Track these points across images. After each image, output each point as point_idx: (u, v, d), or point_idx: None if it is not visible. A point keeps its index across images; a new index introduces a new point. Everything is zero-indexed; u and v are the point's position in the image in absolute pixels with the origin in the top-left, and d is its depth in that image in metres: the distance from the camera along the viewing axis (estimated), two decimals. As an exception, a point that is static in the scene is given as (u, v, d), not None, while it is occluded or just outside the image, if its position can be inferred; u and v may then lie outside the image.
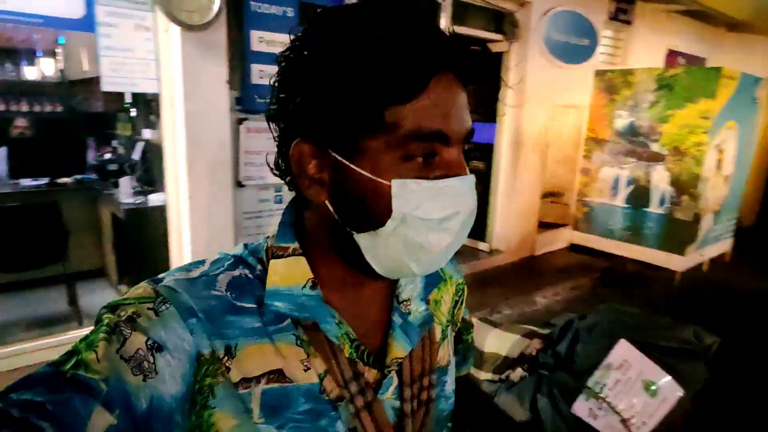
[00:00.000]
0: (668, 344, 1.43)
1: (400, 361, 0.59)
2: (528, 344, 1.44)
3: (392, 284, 0.62)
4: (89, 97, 4.65)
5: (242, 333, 0.51)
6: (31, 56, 4.46)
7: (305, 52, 0.50)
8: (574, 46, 4.57)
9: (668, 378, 1.32)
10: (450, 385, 0.68)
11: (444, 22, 3.62)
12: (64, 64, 4.49)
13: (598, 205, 4.91)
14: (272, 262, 0.55)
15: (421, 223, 0.50)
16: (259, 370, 0.51)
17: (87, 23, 2.44)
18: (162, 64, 2.58)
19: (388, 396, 0.58)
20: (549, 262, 4.86)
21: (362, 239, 0.52)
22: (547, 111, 4.54)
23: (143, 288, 0.51)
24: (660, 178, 4.45)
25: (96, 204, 3.81)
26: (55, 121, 4.59)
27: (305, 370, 0.53)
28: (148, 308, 0.48)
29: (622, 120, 4.63)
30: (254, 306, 0.53)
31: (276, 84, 0.53)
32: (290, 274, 0.54)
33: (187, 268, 0.55)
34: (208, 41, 2.57)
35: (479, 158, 4.66)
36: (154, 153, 3.41)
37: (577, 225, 5.12)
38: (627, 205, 4.70)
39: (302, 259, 0.55)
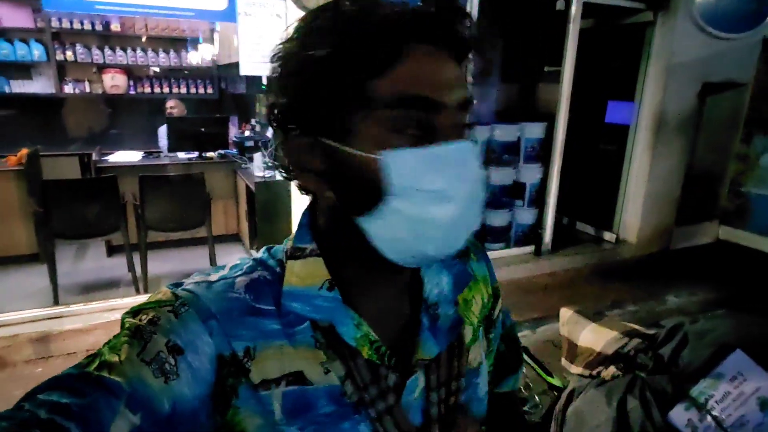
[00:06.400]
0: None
1: (426, 362, 0.57)
2: (626, 342, 1.34)
3: (419, 283, 0.61)
4: (236, 80, 5.19)
5: (261, 335, 0.51)
6: (194, 43, 5.08)
7: (292, 48, 0.50)
8: (736, 11, 3.93)
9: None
10: (483, 387, 0.66)
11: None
12: (217, 50, 5.05)
13: (758, 198, 4.24)
14: (289, 262, 0.55)
15: (420, 196, 0.47)
16: (278, 372, 0.51)
17: (230, 14, 2.74)
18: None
19: (415, 397, 0.57)
20: (687, 258, 4.33)
21: (366, 223, 0.49)
22: (696, 89, 4.00)
23: (163, 292, 0.51)
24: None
25: (234, 176, 4.30)
26: (206, 101, 5.22)
27: (325, 373, 0.53)
28: (168, 311, 0.49)
29: (796, 98, 3.92)
30: (273, 308, 0.53)
31: (268, 86, 0.53)
32: (307, 274, 0.54)
33: (207, 273, 0.55)
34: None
35: (610, 141, 4.28)
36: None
37: (727, 219, 4.48)
38: (796, 199, 4.01)
39: (320, 260, 0.54)
